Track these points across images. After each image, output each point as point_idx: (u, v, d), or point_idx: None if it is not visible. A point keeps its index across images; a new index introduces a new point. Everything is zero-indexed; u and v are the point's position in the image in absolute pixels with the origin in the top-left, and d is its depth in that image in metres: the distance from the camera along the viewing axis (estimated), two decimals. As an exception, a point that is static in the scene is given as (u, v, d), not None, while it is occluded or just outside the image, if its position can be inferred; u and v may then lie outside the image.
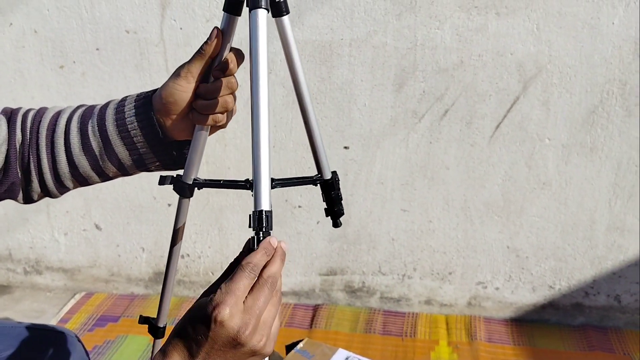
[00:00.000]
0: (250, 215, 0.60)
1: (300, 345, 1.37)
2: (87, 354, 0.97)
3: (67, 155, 0.73)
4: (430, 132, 1.47)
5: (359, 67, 1.44)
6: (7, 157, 0.72)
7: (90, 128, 0.72)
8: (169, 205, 1.66)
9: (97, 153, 0.72)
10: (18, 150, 0.72)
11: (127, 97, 0.74)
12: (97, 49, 1.51)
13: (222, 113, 0.70)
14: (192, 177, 0.78)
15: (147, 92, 0.74)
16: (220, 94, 0.69)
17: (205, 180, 0.79)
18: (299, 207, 1.61)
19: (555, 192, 1.49)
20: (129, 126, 0.72)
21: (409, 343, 1.54)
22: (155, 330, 0.98)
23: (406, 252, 1.61)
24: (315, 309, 1.68)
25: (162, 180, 0.78)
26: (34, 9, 1.49)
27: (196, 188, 0.79)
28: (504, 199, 1.51)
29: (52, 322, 1.66)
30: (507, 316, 1.63)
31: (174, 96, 0.69)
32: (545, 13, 1.33)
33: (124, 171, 0.75)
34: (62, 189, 0.76)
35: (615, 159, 1.44)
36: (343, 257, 1.65)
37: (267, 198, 0.62)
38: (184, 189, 0.78)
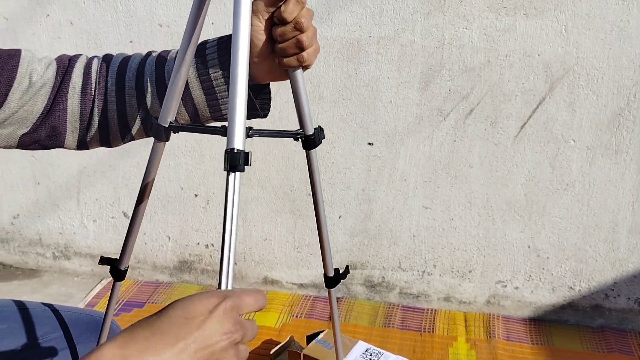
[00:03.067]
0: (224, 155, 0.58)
1: (321, 336, 1.39)
2: None
3: (137, 99, 0.71)
4: (454, 130, 1.49)
5: (386, 64, 1.45)
6: (55, 101, 0.70)
7: (166, 72, 0.71)
8: (196, 195, 1.70)
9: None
10: (75, 95, 0.71)
11: (207, 40, 0.71)
12: (131, 42, 1.55)
13: (298, 53, 0.66)
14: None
15: (229, 34, 0.70)
16: (290, 35, 0.65)
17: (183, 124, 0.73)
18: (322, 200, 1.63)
19: (578, 194, 1.50)
20: (210, 69, 0.70)
21: (428, 338, 1.55)
22: (117, 272, 0.94)
23: (427, 248, 1.63)
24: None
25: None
26: (70, 1, 1.54)
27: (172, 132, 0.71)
28: (526, 198, 1.52)
29: (79, 306, 1.71)
30: (525, 315, 1.64)
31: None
32: (574, 15, 1.33)
33: (196, 118, 0.73)
34: (126, 136, 0.75)
35: (640, 162, 1.44)
36: (364, 251, 1.68)
37: (240, 136, 0.59)
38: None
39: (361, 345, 1.36)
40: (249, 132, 0.71)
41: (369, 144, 1.54)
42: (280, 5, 0.65)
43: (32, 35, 1.59)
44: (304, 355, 1.34)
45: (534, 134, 1.46)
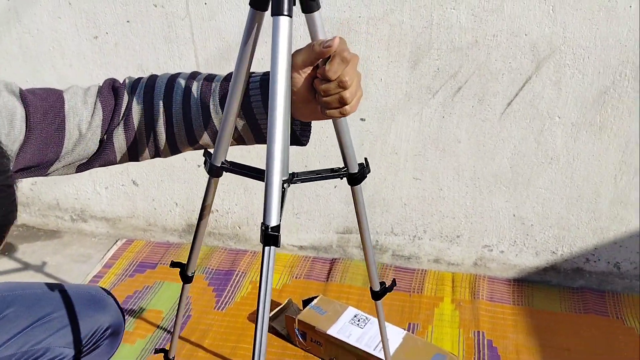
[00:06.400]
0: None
1: (315, 301, 1.52)
2: (120, 307, 1.12)
3: (186, 129, 0.77)
4: (443, 107, 1.53)
5: (376, 44, 1.48)
6: (103, 143, 0.76)
7: (212, 106, 0.75)
8: (199, 166, 1.79)
9: (218, 128, 0.76)
10: (119, 133, 0.76)
11: (251, 74, 0.75)
12: (128, 21, 1.59)
13: (340, 107, 0.71)
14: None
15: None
16: (334, 92, 0.69)
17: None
18: (318, 171, 1.71)
19: (563, 167, 1.55)
20: (253, 104, 0.75)
21: (416, 299, 1.68)
22: (185, 276, 1.08)
23: (417, 215, 1.72)
24: (332, 262, 1.83)
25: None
26: (67, -18, 1.56)
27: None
28: (512, 171, 1.58)
29: (97, 267, 1.85)
30: (510, 276, 1.75)
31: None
32: (562, -5, 1.33)
33: (241, 143, 0.80)
34: (176, 152, 0.81)
35: (624, 138, 1.48)
36: (359, 217, 1.77)
37: (276, 212, 0.63)
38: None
39: (350, 311, 1.49)
40: (292, 179, 0.78)
41: (362, 119, 1.60)
42: (326, 63, 0.69)
43: (34, 15, 1.64)
44: (298, 320, 1.47)
45: (520, 111, 1.50)
